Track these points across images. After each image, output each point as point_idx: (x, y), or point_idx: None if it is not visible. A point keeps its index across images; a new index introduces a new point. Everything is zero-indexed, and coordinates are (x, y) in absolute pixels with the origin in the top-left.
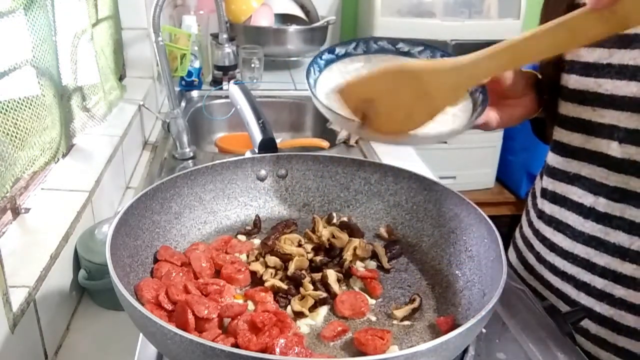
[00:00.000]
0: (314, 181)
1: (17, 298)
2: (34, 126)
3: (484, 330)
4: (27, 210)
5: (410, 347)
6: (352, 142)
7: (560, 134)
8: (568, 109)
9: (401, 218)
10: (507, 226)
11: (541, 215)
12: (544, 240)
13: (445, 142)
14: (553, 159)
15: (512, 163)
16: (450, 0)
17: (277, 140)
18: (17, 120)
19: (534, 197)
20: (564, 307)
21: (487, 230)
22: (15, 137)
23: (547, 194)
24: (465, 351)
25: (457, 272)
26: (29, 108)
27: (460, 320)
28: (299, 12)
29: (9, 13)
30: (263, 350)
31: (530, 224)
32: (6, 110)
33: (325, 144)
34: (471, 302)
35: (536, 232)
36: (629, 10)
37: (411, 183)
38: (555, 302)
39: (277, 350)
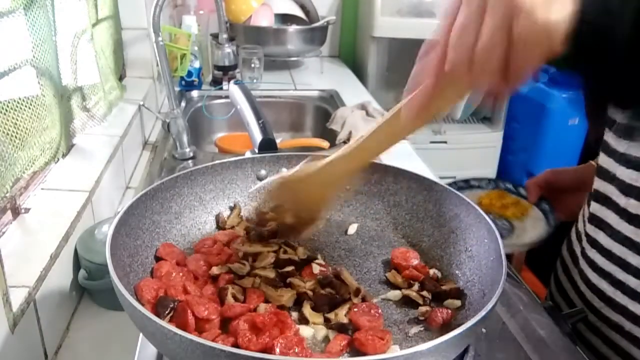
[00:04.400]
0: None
1: (17, 298)
2: (34, 126)
3: (484, 330)
4: (27, 210)
5: (410, 347)
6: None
7: (606, 134)
8: (609, 110)
9: (401, 218)
10: None
11: (587, 211)
12: (587, 235)
13: (445, 142)
14: (600, 158)
15: (512, 163)
16: (450, 1)
17: (277, 140)
18: (17, 120)
19: (589, 196)
20: (598, 304)
21: (487, 231)
22: (15, 137)
23: (593, 192)
24: (465, 351)
25: (457, 272)
26: (29, 108)
27: (460, 320)
28: (299, 12)
29: (9, 13)
30: (263, 351)
31: (582, 220)
32: (6, 110)
33: (325, 144)
34: (471, 302)
35: (583, 228)
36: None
37: (411, 183)
38: (590, 297)
39: (277, 350)
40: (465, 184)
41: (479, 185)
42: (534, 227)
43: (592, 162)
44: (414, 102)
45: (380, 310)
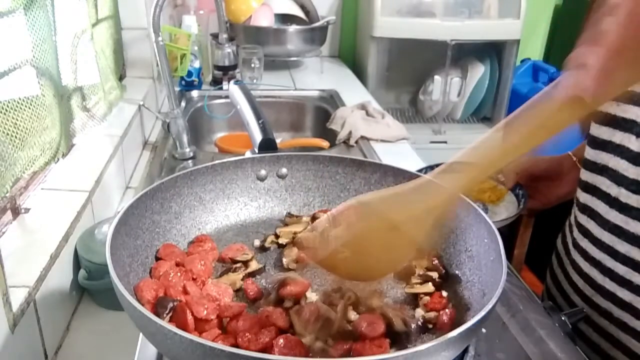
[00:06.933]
0: (314, 181)
1: (17, 298)
2: (34, 126)
3: (484, 330)
4: (27, 210)
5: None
6: (352, 142)
7: (593, 127)
8: None
9: None
10: (507, 225)
11: (578, 203)
12: (579, 226)
13: (445, 142)
14: (588, 151)
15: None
16: (450, 0)
17: (277, 140)
18: (17, 120)
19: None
20: (590, 292)
21: (487, 230)
22: (15, 137)
23: (582, 184)
24: (465, 351)
25: (457, 272)
26: (29, 108)
27: (460, 320)
28: (299, 12)
29: (9, 13)
30: (263, 351)
31: (573, 212)
32: (6, 110)
33: (325, 144)
34: (471, 302)
35: (575, 219)
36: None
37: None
38: (582, 286)
39: (277, 350)
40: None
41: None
42: (506, 210)
43: (569, 153)
44: (595, 67)
45: (382, 325)
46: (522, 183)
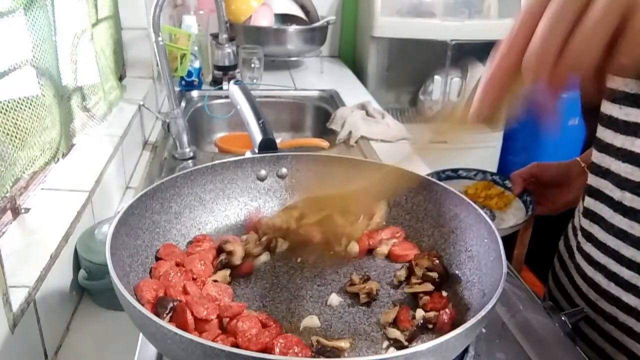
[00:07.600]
0: (314, 181)
1: (17, 298)
2: (34, 126)
3: (484, 330)
4: (27, 210)
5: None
6: (352, 142)
7: (599, 130)
8: (603, 105)
9: (401, 218)
10: None
11: (582, 207)
12: (582, 230)
13: (445, 142)
14: (594, 154)
15: (512, 163)
16: (450, 0)
17: (277, 140)
18: (17, 120)
19: (583, 191)
20: (594, 296)
21: (487, 231)
22: (15, 137)
23: (586, 187)
24: (465, 351)
25: (457, 272)
26: (29, 108)
27: (460, 320)
28: (299, 12)
29: (9, 13)
30: (263, 350)
31: (577, 215)
32: (6, 110)
33: (325, 144)
34: (471, 302)
35: (579, 223)
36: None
37: (411, 183)
38: (586, 290)
39: (277, 350)
40: (454, 173)
41: (467, 176)
42: (514, 217)
43: (578, 159)
44: (480, 98)
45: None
46: (530, 189)
